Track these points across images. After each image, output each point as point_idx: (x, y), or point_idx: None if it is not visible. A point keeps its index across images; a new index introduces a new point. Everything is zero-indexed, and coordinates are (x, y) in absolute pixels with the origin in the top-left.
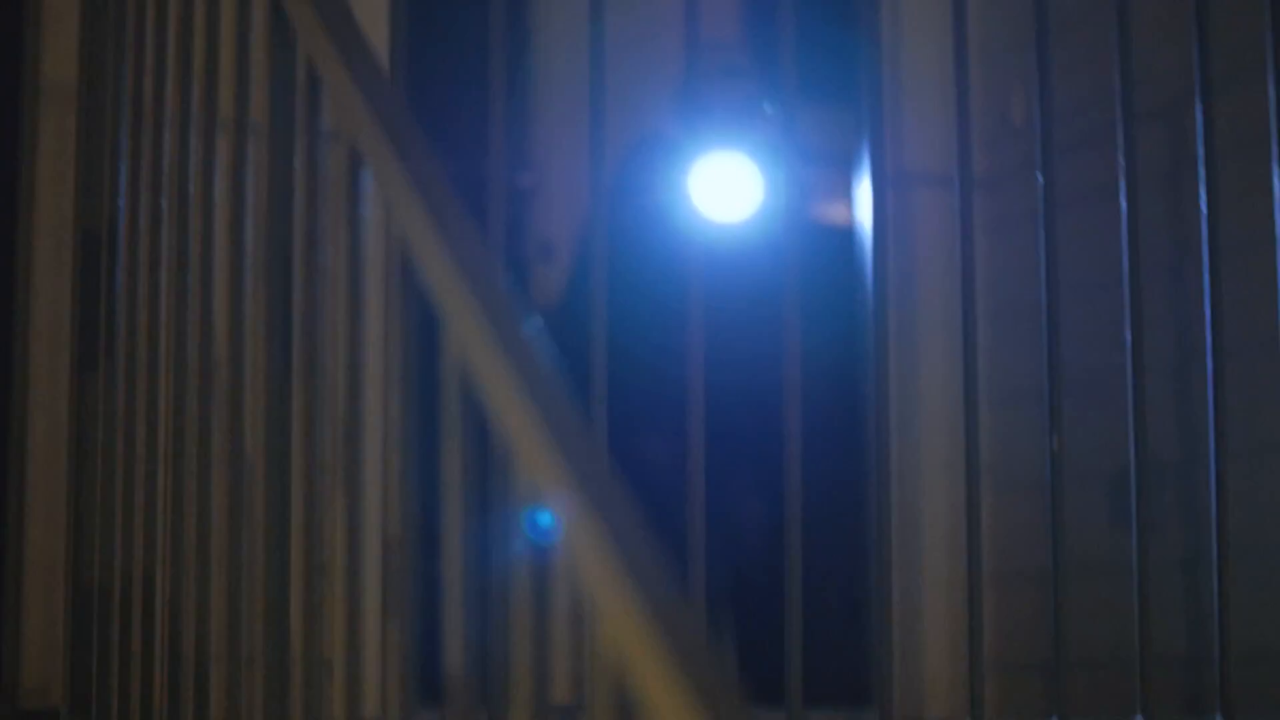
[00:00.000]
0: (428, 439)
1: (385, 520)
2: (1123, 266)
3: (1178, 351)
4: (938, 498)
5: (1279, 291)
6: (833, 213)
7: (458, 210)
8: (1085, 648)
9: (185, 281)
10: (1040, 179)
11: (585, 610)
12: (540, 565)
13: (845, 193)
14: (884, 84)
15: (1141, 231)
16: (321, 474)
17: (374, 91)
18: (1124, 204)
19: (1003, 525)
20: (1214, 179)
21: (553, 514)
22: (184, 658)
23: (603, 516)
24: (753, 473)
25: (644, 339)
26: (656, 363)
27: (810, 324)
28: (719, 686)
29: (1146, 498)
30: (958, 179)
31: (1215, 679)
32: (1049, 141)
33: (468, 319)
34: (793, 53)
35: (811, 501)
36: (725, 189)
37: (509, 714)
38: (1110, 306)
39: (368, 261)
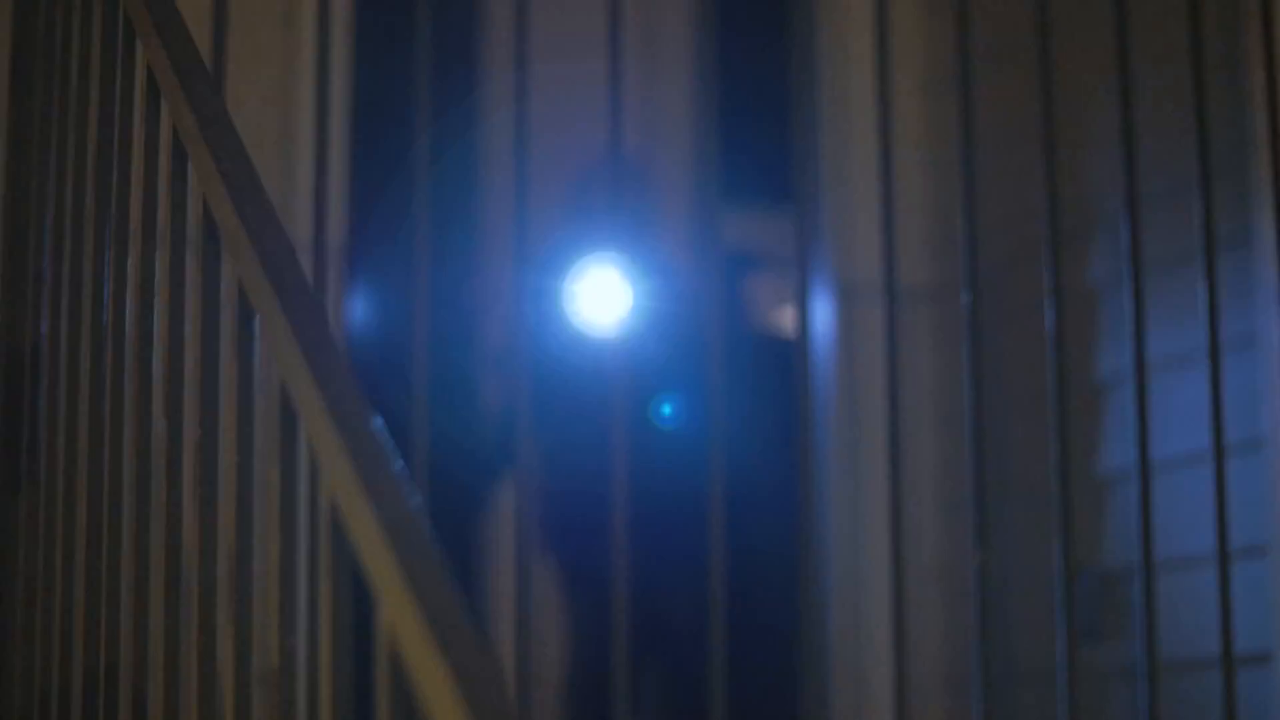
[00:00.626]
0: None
1: (264, 652)
2: (1048, 383)
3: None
4: (884, 604)
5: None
6: (772, 321)
7: (334, 357)
8: None
9: (101, 403)
10: (966, 296)
11: None
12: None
13: (786, 300)
14: (828, 192)
15: (1073, 344)
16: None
17: (266, 242)
18: (1050, 323)
19: (952, 630)
20: (1141, 292)
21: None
22: None
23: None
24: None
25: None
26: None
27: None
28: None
29: (1089, 605)
30: (883, 291)
31: None
32: (974, 259)
33: (339, 461)
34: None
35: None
36: (602, 299)
37: None
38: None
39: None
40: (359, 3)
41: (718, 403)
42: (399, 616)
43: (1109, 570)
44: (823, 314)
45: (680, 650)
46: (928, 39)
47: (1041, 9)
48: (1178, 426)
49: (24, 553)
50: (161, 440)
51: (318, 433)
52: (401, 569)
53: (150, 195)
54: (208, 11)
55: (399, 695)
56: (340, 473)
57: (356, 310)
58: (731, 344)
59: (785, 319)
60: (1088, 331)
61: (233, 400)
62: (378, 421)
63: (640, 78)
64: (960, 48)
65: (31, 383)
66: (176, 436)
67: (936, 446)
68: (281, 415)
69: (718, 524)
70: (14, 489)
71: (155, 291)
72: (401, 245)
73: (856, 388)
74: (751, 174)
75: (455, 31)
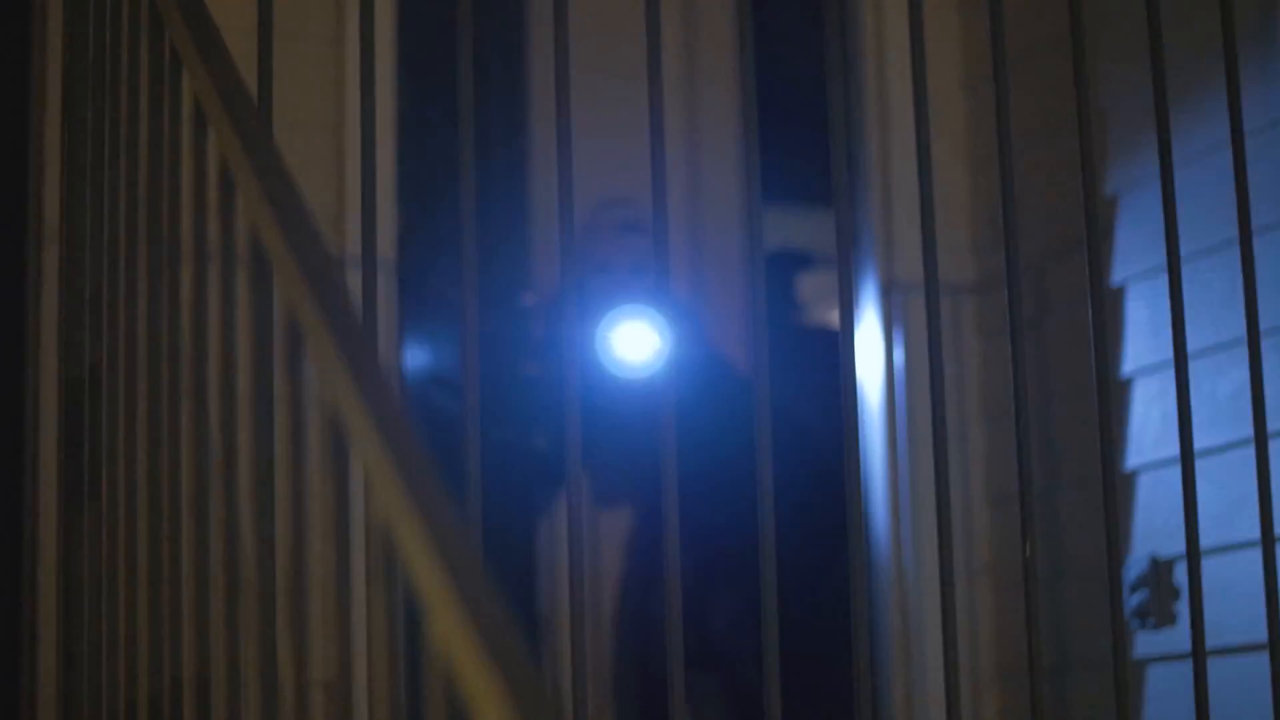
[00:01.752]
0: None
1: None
2: (1091, 376)
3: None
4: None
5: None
6: (820, 318)
7: (380, 377)
8: None
9: (158, 423)
10: (1008, 290)
11: None
12: None
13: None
14: (874, 191)
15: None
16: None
17: (312, 267)
18: (1090, 314)
19: (1005, 623)
20: (1178, 285)
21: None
22: None
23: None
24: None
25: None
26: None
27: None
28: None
29: (1143, 592)
30: (924, 288)
31: None
32: (1014, 253)
33: (387, 479)
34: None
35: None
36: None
37: None
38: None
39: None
40: (401, 21)
41: (763, 400)
42: (449, 631)
43: (1160, 557)
44: (869, 311)
45: (734, 652)
46: (965, 36)
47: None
48: (1218, 416)
49: (89, 569)
50: (218, 458)
51: (367, 452)
52: (450, 584)
53: (200, 219)
54: (253, 33)
55: (451, 709)
56: (389, 491)
57: (409, 323)
58: (779, 339)
59: (833, 316)
60: (1120, 324)
61: (285, 419)
62: (423, 440)
63: (681, 85)
64: (994, 42)
65: (91, 403)
66: (232, 455)
67: (986, 439)
68: (332, 434)
69: (767, 523)
70: (78, 507)
71: (208, 313)
72: (450, 258)
73: (904, 384)
74: (794, 176)
75: (498, 51)
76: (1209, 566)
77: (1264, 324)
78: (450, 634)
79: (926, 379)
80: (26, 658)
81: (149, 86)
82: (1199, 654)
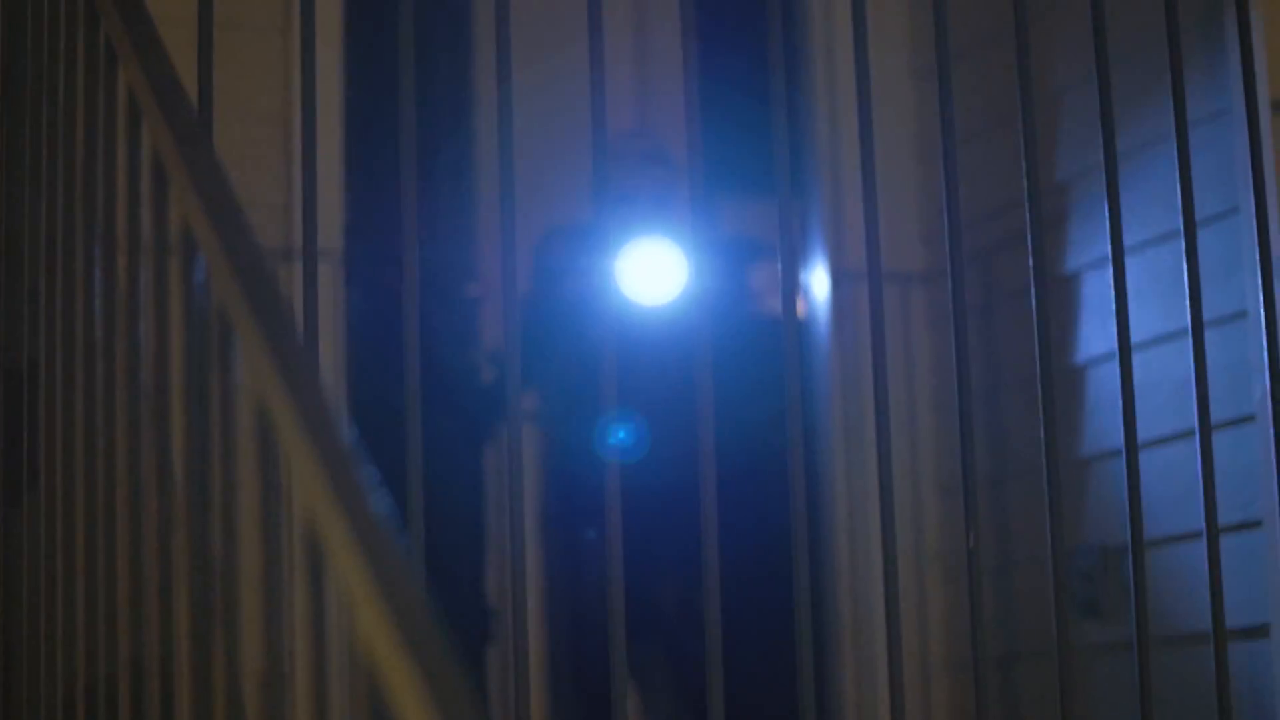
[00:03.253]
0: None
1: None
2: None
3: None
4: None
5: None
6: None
7: (305, 368)
8: None
9: (94, 415)
10: (952, 280)
11: None
12: None
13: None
14: (826, 179)
15: (1060, 325)
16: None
17: (241, 259)
18: (1034, 304)
19: (955, 611)
20: (1121, 276)
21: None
22: None
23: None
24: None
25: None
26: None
27: (752, 411)
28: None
29: (1089, 582)
30: (867, 275)
31: None
32: (958, 243)
33: (310, 470)
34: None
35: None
36: (650, 274)
37: None
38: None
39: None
40: (349, 9)
41: (705, 384)
42: (369, 623)
43: (1110, 547)
44: (818, 300)
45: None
46: (914, 26)
47: None
48: (1174, 402)
49: (28, 562)
50: (150, 450)
51: (291, 442)
52: (370, 575)
53: (134, 212)
54: (193, 25)
55: (371, 697)
56: (312, 482)
57: (356, 311)
58: (727, 326)
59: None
60: (1075, 312)
61: (217, 411)
62: (347, 429)
63: (630, 68)
64: (938, 33)
65: (30, 396)
66: (165, 446)
67: (935, 429)
68: (258, 424)
69: (709, 510)
70: (15, 500)
71: (141, 307)
72: (393, 246)
73: (851, 373)
74: (743, 164)
75: (442, 31)
76: (1161, 556)
77: (1216, 311)
78: (370, 627)
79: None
80: None
81: (85, 79)
82: (1143, 643)
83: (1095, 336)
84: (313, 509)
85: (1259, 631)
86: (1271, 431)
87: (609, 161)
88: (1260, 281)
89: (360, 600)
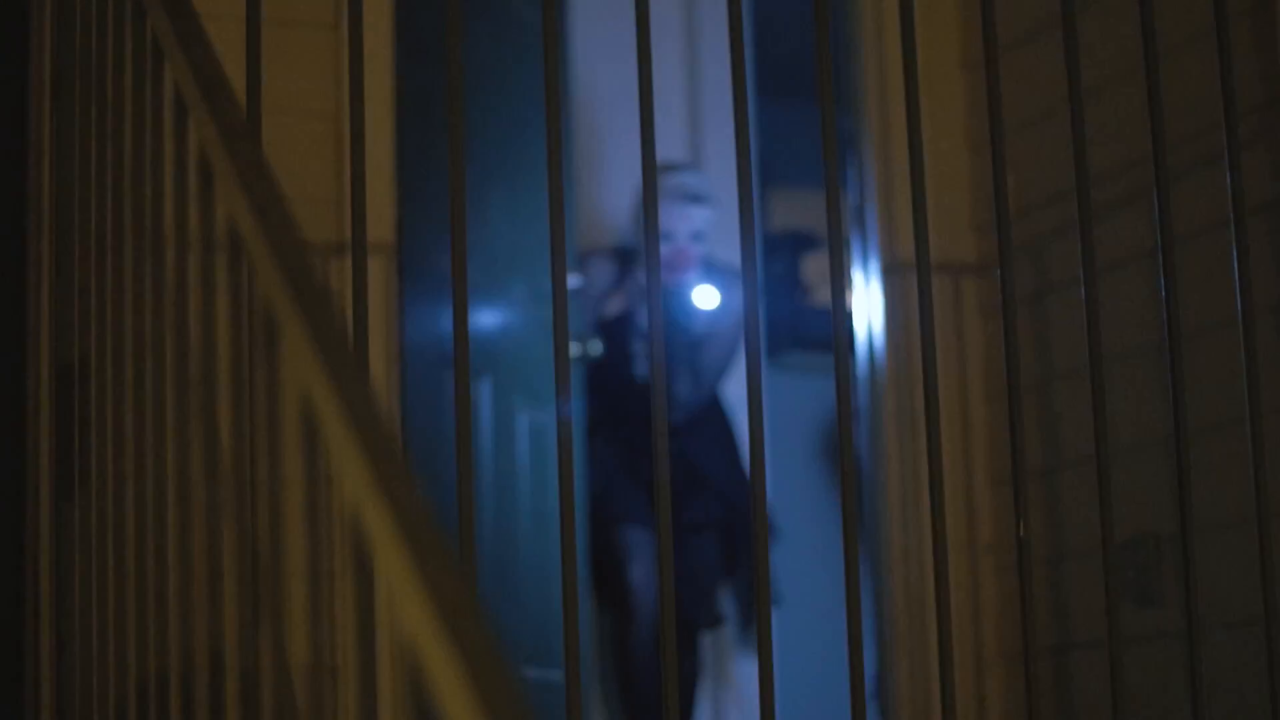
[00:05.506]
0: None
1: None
2: (1089, 352)
3: (1162, 423)
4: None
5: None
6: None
7: (352, 369)
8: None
9: (143, 409)
10: (1002, 270)
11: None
12: None
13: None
14: (875, 173)
15: (1114, 316)
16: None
17: (285, 254)
18: (1085, 293)
19: (1008, 602)
20: (1172, 265)
21: None
22: None
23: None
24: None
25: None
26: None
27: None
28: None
29: (1142, 570)
30: (916, 267)
31: None
32: (1007, 233)
33: (354, 463)
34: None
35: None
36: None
37: None
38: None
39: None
40: (398, 4)
41: (754, 373)
42: (413, 615)
43: (1165, 535)
44: (872, 292)
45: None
46: (965, 16)
47: None
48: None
49: (79, 556)
50: (198, 445)
51: (335, 435)
52: (415, 568)
53: (181, 208)
54: (243, 22)
55: (415, 690)
56: (356, 475)
57: (413, 305)
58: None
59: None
60: (1129, 299)
61: (263, 404)
62: (392, 424)
63: (683, 65)
64: (986, 25)
65: (82, 391)
66: (212, 441)
67: (989, 419)
68: (302, 419)
69: (760, 502)
70: (68, 495)
71: (189, 301)
72: (445, 241)
73: (904, 363)
74: (796, 158)
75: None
76: (1216, 542)
77: (1270, 298)
78: (415, 619)
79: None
80: (29, 641)
81: (132, 76)
82: (1194, 631)
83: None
84: (358, 502)
85: None
86: None
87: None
88: None
89: (404, 592)
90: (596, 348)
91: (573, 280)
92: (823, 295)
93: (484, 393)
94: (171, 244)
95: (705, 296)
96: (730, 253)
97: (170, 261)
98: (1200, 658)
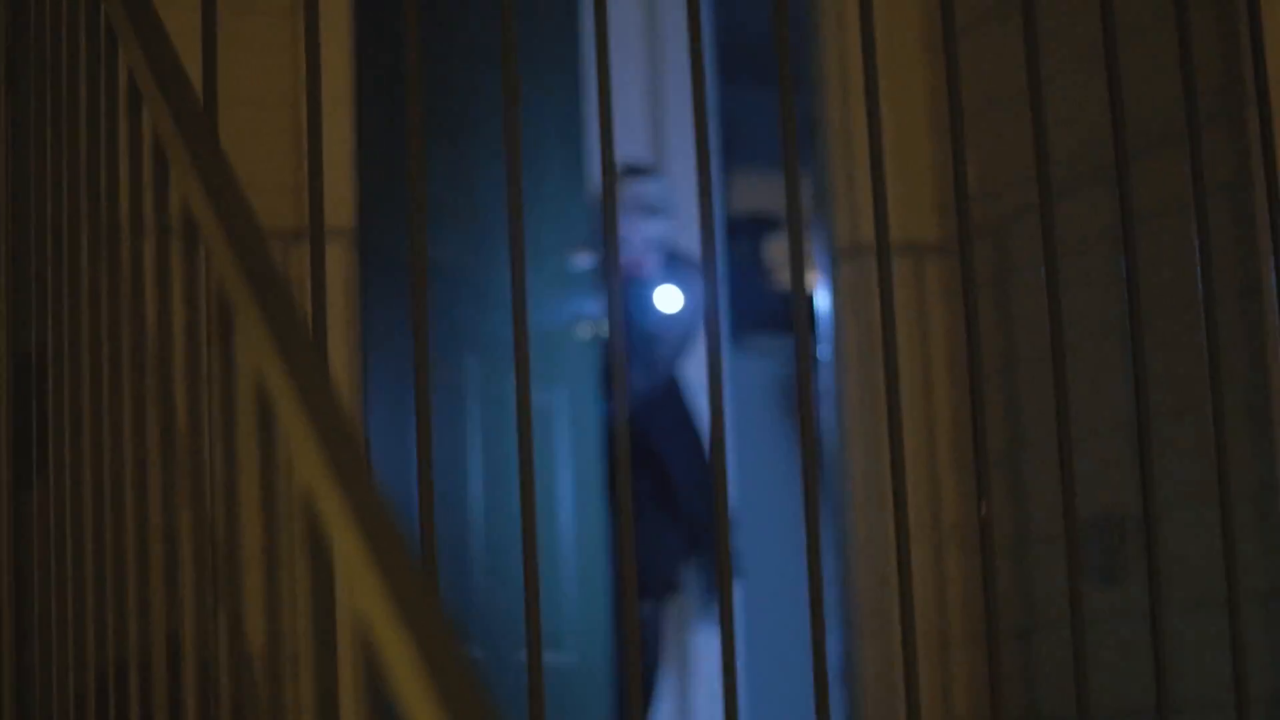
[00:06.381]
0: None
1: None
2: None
3: (1125, 403)
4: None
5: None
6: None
7: (308, 354)
8: (1056, 702)
9: (100, 398)
10: (961, 251)
11: None
12: None
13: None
14: (838, 154)
15: (1078, 297)
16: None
17: (240, 237)
18: (1045, 274)
19: (973, 584)
20: (1133, 244)
21: None
22: None
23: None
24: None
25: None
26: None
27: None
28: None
29: (1106, 551)
30: (876, 249)
31: None
32: (966, 215)
33: (309, 449)
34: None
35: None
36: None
37: None
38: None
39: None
40: None
41: (716, 357)
42: (364, 597)
43: (1129, 515)
44: (830, 274)
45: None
46: (925, 0)
47: None
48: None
49: (38, 545)
50: (154, 432)
51: (290, 420)
52: (367, 551)
53: (136, 195)
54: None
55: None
56: (310, 459)
57: (371, 292)
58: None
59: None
60: (1093, 281)
61: (218, 392)
62: (350, 408)
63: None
64: (945, 6)
65: (38, 381)
66: (169, 427)
67: (952, 400)
68: (258, 404)
69: (721, 484)
70: (26, 484)
71: (144, 288)
72: (404, 226)
73: (866, 345)
74: (758, 141)
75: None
76: (1179, 522)
77: (1225, 285)
78: (368, 601)
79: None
80: None
81: (86, 62)
82: (1157, 610)
83: (1110, 305)
84: (311, 488)
85: (1272, 596)
86: None
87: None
88: (1274, 249)
89: (357, 576)
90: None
91: (588, 260)
92: (784, 277)
93: (473, 373)
94: (127, 232)
95: (668, 298)
96: (691, 240)
97: (126, 249)
98: (1164, 636)
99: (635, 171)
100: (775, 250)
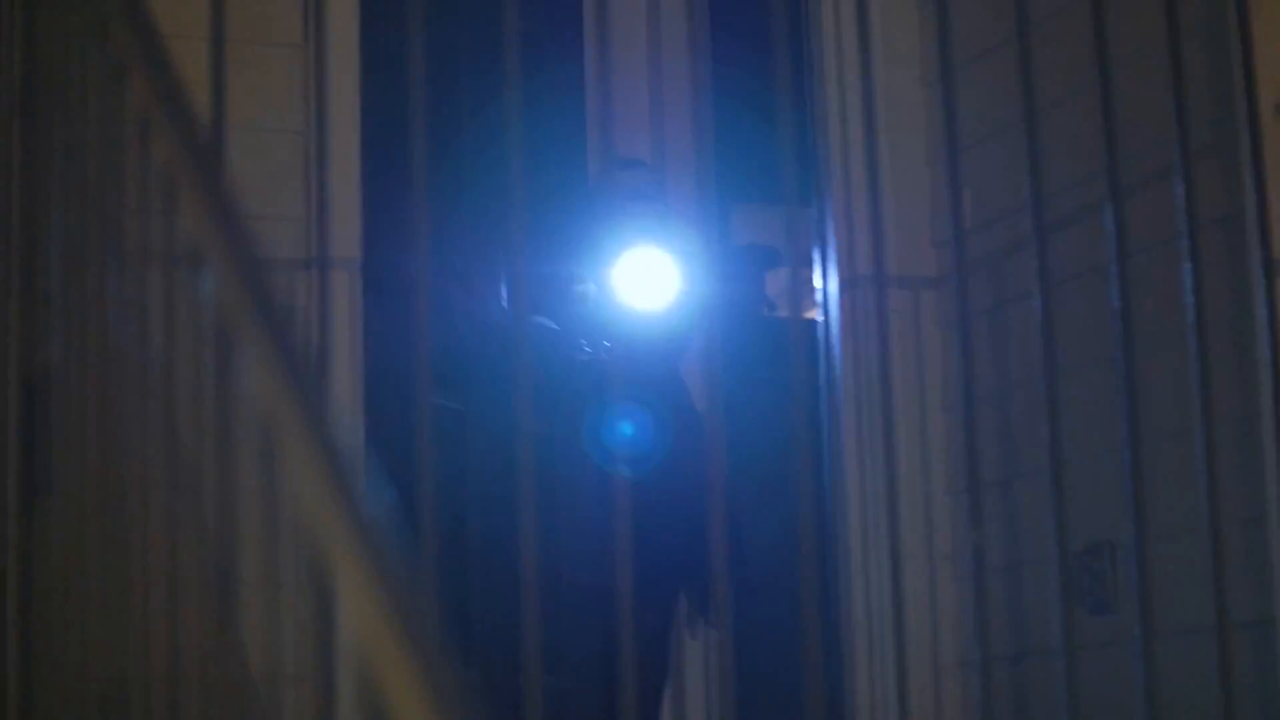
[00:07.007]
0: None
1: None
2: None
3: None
4: (906, 585)
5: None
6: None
7: (308, 381)
8: None
9: (107, 417)
10: (955, 283)
11: None
12: None
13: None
14: (841, 188)
15: (1072, 324)
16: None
17: (245, 265)
18: (1040, 304)
19: (966, 611)
20: (1126, 275)
21: None
22: None
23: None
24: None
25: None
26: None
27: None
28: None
29: (1096, 578)
30: (875, 279)
31: None
32: (961, 248)
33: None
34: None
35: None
36: (644, 282)
37: None
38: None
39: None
40: (367, 21)
41: (715, 388)
42: (361, 616)
43: (1120, 543)
44: (830, 303)
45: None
46: (924, 33)
47: (1022, 3)
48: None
49: (40, 559)
50: (160, 451)
51: (291, 445)
52: (363, 571)
53: (144, 221)
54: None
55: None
56: (308, 482)
57: (374, 320)
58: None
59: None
60: (1086, 311)
61: (220, 414)
62: (343, 433)
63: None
64: (941, 42)
65: (46, 399)
66: (174, 450)
67: (946, 429)
68: (260, 427)
69: (718, 514)
70: (33, 500)
71: (151, 314)
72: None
73: (864, 376)
74: (756, 173)
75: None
76: (1169, 550)
77: (1219, 315)
78: (367, 628)
79: (889, 371)
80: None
81: (97, 93)
82: (1149, 637)
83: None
84: (312, 511)
85: (1263, 623)
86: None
87: (599, 193)
88: (1264, 282)
89: (357, 603)
90: None
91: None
92: (784, 310)
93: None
94: (136, 256)
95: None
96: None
97: (134, 273)
98: (1155, 664)
99: (629, 166)
100: (776, 283)
